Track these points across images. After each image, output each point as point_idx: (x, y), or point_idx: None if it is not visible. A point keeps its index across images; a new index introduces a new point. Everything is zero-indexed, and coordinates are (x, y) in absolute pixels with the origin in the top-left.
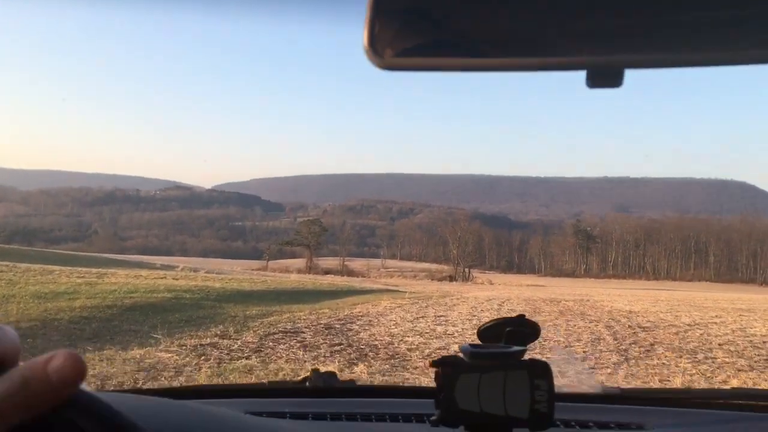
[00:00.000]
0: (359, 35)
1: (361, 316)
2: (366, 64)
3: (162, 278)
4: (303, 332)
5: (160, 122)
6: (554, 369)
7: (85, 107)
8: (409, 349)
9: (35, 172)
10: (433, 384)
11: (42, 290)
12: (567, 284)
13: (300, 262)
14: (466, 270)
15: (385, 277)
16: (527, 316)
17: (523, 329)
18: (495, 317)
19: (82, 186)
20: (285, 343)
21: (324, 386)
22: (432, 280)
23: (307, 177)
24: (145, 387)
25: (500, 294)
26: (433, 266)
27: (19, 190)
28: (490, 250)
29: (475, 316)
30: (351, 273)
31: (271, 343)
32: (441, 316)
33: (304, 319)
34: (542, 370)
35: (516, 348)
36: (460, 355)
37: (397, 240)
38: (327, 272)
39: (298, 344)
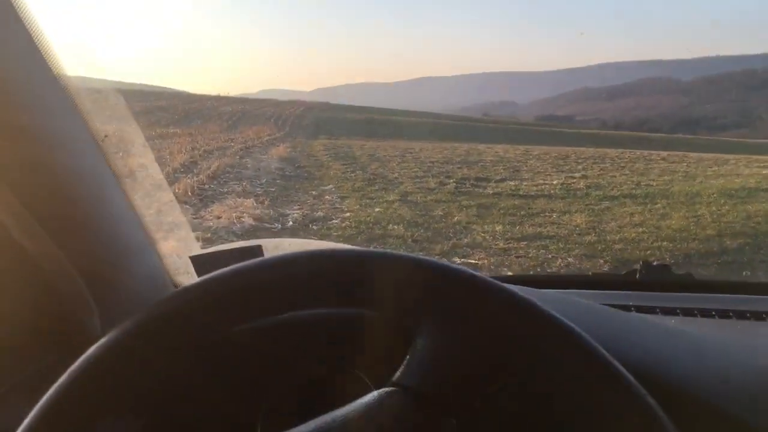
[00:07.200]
0: None
1: None
2: None
3: None
4: None
5: None
6: None
7: None
8: None
9: (697, 60)
10: None
11: (728, 185)
12: None
13: None
14: None
15: None
16: None
17: None
18: None
19: (746, 69)
20: None
21: (656, 279)
22: None
23: None
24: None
25: None
26: None
27: (681, 80)
28: None
29: None
30: None
31: None
32: None
33: None
34: None
35: None
36: None
37: None
38: None
39: None
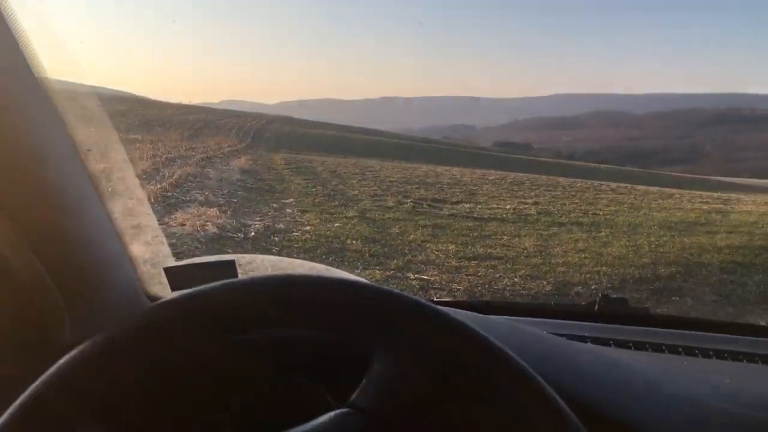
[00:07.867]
0: None
1: None
2: None
3: None
4: None
5: None
6: None
7: None
8: None
9: (648, 96)
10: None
11: (669, 218)
12: None
13: None
14: None
15: None
16: None
17: None
18: None
19: (694, 107)
20: None
21: (614, 312)
22: None
23: None
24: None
25: None
26: None
27: (632, 114)
28: None
29: None
30: None
31: None
32: None
33: None
34: None
35: None
36: None
37: None
38: None
39: None
